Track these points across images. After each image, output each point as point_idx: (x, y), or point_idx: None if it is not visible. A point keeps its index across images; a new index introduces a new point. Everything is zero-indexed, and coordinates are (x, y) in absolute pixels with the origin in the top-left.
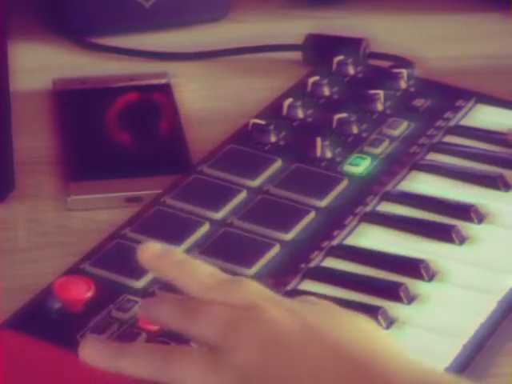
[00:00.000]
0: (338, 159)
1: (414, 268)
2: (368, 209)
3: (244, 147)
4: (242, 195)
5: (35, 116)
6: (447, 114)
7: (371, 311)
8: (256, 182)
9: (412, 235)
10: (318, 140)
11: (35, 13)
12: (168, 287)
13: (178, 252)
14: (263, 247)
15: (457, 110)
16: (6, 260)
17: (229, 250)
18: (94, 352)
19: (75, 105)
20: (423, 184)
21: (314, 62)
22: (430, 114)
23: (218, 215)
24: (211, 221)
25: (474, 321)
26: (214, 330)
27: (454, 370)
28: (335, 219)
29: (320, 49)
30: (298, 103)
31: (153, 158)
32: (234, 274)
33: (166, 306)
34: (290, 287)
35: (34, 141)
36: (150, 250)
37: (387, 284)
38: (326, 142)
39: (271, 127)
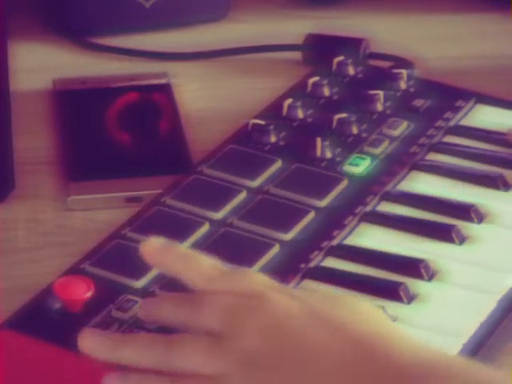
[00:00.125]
0: (337, 159)
1: (414, 268)
2: (368, 209)
3: (244, 147)
4: (242, 195)
5: (35, 116)
6: (447, 114)
7: None
8: (256, 182)
9: (412, 235)
10: (318, 140)
11: (35, 13)
12: (168, 287)
13: (180, 246)
14: (263, 247)
15: (457, 110)
16: (6, 260)
17: (229, 250)
18: (94, 343)
19: (75, 105)
20: (423, 184)
21: (313, 61)
22: (430, 114)
23: (218, 215)
24: (211, 221)
25: (474, 320)
26: (218, 317)
27: None
28: (335, 219)
29: (320, 49)
30: (298, 103)
31: (153, 158)
32: None
33: (167, 303)
34: (289, 287)
35: (34, 141)
36: (153, 245)
37: (387, 284)
38: (326, 142)
39: (271, 127)
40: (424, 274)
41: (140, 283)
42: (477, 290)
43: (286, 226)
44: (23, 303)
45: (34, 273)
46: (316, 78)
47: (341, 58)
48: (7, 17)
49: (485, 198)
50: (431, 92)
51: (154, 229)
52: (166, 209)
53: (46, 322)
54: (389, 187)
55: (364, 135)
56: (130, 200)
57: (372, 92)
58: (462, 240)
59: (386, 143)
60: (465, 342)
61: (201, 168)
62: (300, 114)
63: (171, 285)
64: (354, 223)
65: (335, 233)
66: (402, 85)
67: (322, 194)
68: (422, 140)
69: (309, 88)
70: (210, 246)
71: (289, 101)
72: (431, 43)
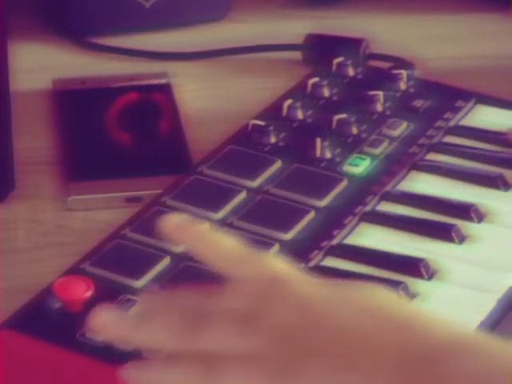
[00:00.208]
0: (337, 159)
1: (414, 267)
2: (368, 209)
3: (244, 148)
4: (242, 195)
5: (35, 116)
6: (447, 115)
7: None
8: (256, 183)
9: (412, 234)
10: (318, 141)
11: (35, 13)
12: (168, 287)
13: (202, 225)
14: (263, 247)
15: (456, 110)
16: (6, 260)
17: None
18: (109, 320)
19: (75, 105)
20: (423, 184)
21: (313, 61)
22: (430, 115)
23: (218, 215)
24: (211, 221)
25: (474, 319)
26: (244, 301)
27: None
28: (335, 219)
29: (320, 49)
30: (298, 104)
31: (153, 158)
32: None
33: (185, 292)
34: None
35: (34, 141)
36: (175, 222)
37: (387, 283)
38: (326, 143)
39: (271, 128)
40: (424, 273)
41: (140, 283)
42: (477, 289)
43: (285, 226)
44: (23, 303)
45: (34, 273)
46: (316, 79)
47: (341, 58)
48: (7, 17)
49: (485, 198)
50: (431, 92)
51: (153, 229)
52: (166, 209)
53: (46, 321)
54: (389, 187)
55: (364, 135)
56: (130, 200)
57: (372, 92)
58: (462, 239)
59: (385, 143)
60: None
61: (201, 168)
62: (300, 114)
63: (171, 285)
64: (354, 223)
65: (335, 232)
66: (402, 85)
67: (321, 194)
68: (422, 140)
69: (309, 89)
70: None
71: (289, 101)
72: (431, 43)
